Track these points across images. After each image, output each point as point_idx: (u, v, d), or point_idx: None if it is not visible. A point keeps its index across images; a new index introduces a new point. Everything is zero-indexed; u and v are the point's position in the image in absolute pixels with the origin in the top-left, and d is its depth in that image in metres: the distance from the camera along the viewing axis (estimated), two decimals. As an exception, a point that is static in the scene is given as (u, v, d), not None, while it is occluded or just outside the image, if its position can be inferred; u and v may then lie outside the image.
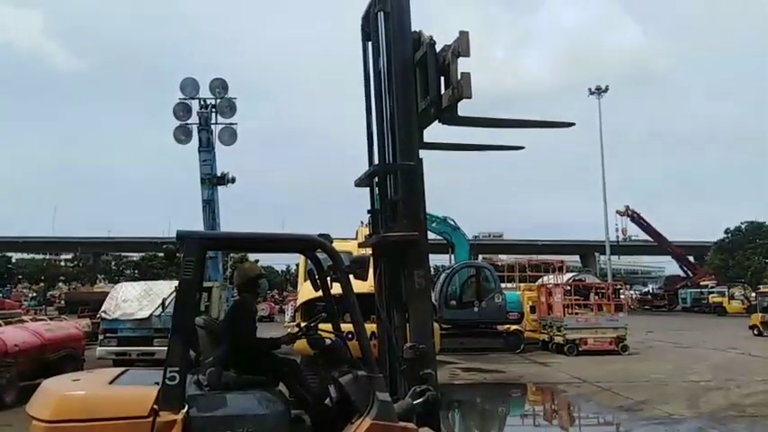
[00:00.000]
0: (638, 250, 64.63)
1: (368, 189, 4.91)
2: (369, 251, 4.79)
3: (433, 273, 15.66)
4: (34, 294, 52.77)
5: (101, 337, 12.63)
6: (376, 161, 4.79)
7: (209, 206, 17.06)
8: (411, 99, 4.53)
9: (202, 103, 17.77)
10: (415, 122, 4.55)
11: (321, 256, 4.31)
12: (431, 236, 11.92)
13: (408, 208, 4.43)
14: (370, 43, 4.89)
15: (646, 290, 65.24)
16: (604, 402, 10.03)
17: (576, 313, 17.22)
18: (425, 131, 4.70)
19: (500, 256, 55.35)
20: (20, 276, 67.20)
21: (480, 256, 43.18)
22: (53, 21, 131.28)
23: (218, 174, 17.40)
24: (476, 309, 16.73)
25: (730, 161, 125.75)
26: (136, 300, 12.66)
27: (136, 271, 61.58)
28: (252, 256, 35.36)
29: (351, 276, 3.98)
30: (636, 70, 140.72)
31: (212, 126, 17.64)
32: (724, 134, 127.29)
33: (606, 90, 45.47)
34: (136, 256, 68.31)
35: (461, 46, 4.14)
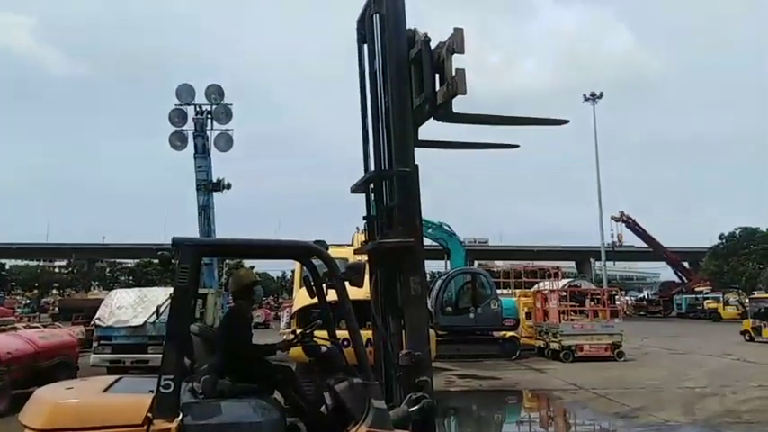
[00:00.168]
0: (634, 256, 64.79)
1: (364, 195, 4.92)
2: (364, 258, 4.79)
3: (428, 279, 15.65)
4: (28, 301, 52.39)
5: (95, 344, 12.55)
6: (372, 167, 4.80)
7: (205, 212, 17.02)
8: (406, 100, 4.54)
9: (198, 109, 17.76)
10: (410, 124, 4.56)
11: (317, 262, 4.31)
12: (426, 242, 11.93)
13: (404, 214, 4.43)
14: (365, 45, 4.91)
15: (641, 296, 65.36)
16: (600, 409, 10.02)
17: (572, 319, 17.23)
18: (421, 129, 4.71)
19: (496, 262, 55.26)
20: (13, 283, 66.82)
21: (476, 262, 43.19)
22: (48, 25, 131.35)
23: (214, 180, 17.38)
24: (471, 315, 16.71)
25: (724, 167, 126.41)
26: (130, 307, 12.61)
27: (130, 277, 61.33)
28: (247, 263, 35.33)
29: (346, 283, 3.97)
30: (630, 76, 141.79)
31: (208, 132, 17.64)
32: (718, 140, 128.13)
33: (601, 96, 45.84)
34: (130, 262, 68.04)
35: (456, 43, 4.15)
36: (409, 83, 4.55)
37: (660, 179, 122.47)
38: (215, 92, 18.05)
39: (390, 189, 4.58)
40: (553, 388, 12.02)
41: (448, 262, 21.40)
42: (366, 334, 4.26)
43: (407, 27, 4.60)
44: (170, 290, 12.55)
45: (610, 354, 16.08)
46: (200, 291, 11.76)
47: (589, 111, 45.72)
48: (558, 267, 25.39)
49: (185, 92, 17.88)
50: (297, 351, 4.76)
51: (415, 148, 4.60)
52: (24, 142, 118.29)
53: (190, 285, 3.68)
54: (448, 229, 20.97)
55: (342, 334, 4.22)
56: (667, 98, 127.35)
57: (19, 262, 71.28)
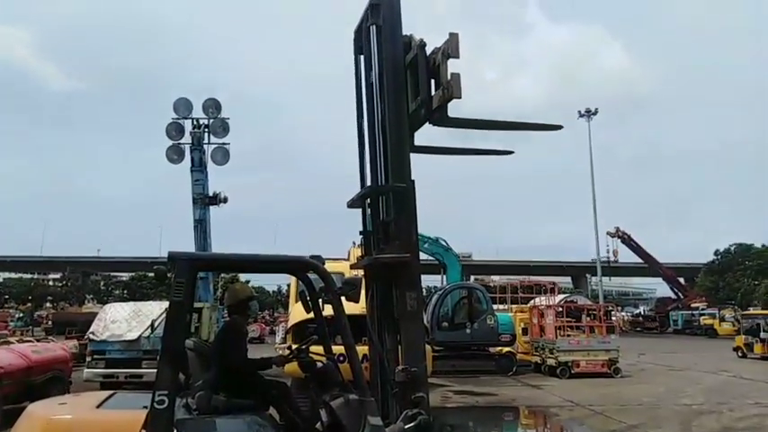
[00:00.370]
0: (629, 272, 64.83)
1: (360, 210, 4.93)
2: (361, 272, 4.79)
3: (424, 294, 15.63)
4: (21, 315, 51.94)
5: (88, 358, 12.42)
6: (368, 182, 4.82)
7: (201, 226, 17.01)
8: (402, 108, 4.58)
9: (195, 122, 17.84)
10: (406, 130, 4.59)
11: (313, 277, 4.30)
12: (422, 256, 11.92)
13: (400, 229, 4.44)
14: (362, 56, 4.96)
15: (637, 311, 65.27)
16: (597, 426, 9.95)
17: (569, 335, 17.19)
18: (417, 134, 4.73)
19: (492, 277, 55.25)
20: (6, 296, 66.26)
21: (472, 277, 43.14)
22: (45, 39, 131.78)
23: (210, 193, 17.38)
24: (468, 330, 16.66)
25: (719, 182, 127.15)
26: (125, 321, 12.51)
27: (125, 291, 60.96)
28: (243, 277, 35.15)
29: (342, 298, 3.97)
30: (624, 91, 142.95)
31: (205, 146, 17.69)
32: (713, 155, 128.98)
33: (596, 113, 45.98)
34: (125, 275, 67.68)
35: (451, 47, 4.20)
36: (405, 90, 4.60)
37: (655, 194, 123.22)
38: (212, 106, 18.14)
39: (387, 204, 4.60)
40: (550, 404, 11.95)
41: (444, 277, 21.37)
42: (362, 349, 4.25)
43: (403, 33, 4.66)
44: (165, 304, 12.50)
45: (606, 370, 16.03)
46: (196, 305, 11.69)
47: (584, 126, 45.97)
48: (554, 283, 25.38)
49: (183, 105, 17.96)
50: (292, 366, 4.74)
51: (413, 155, 4.62)
52: (20, 155, 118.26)
53: (185, 300, 3.66)
54: (444, 243, 20.98)
55: (338, 349, 4.21)
56: (661, 113, 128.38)
57: (13, 275, 70.78)
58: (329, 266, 4.14)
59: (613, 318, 22.76)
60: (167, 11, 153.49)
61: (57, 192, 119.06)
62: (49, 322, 39.16)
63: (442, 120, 4.43)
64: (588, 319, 18.99)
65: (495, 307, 18.60)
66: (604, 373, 15.89)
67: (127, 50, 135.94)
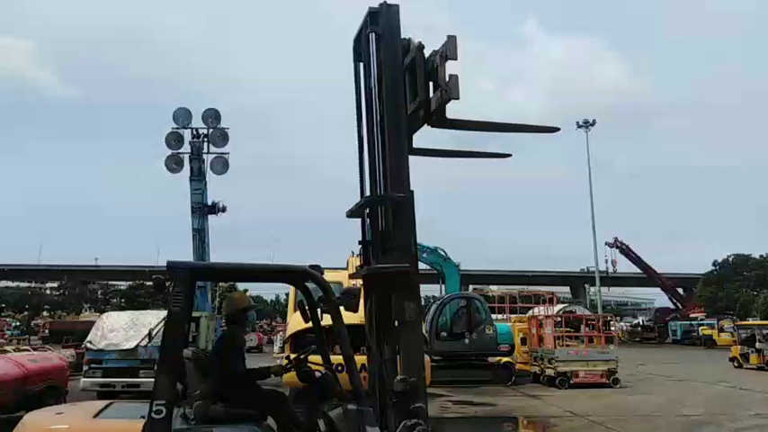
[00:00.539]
0: (628, 282, 64.78)
1: (359, 220, 4.93)
2: (359, 282, 4.79)
3: (423, 303, 15.60)
4: (18, 323, 51.70)
5: (85, 367, 12.36)
6: (367, 192, 4.83)
7: (200, 235, 17.03)
8: (401, 114, 4.60)
9: (195, 132, 17.91)
10: (405, 138, 4.61)
11: (311, 286, 4.30)
12: (421, 266, 11.90)
13: (399, 239, 4.45)
14: (361, 63, 4.99)
15: (636, 322, 65.18)
16: (596, 437, 9.91)
17: (567, 345, 17.15)
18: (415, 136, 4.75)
19: (491, 286, 55.19)
20: (3, 305, 66.00)
21: (471, 287, 43.08)
22: (43, 49, 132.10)
23: (209, 203, 17.41)
24: (466, 340, 16.62)
25: (718, 193, 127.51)
26: (122, 330, 12.46)
27: (122, 300, 60.74)
28: (241, 286, 35.07)
29: (341, 308, 3.96)
30: (621, 103, 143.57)
31: (204, 155, 17.74)
32: (711, 166, 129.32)
33: (593, 123, 46.18)
34: (123, 284, 67.49)
35: (449, 49, 4.22)
36: (404, 94, 4.63)
37: (654, 204, 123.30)
38: (212, 115, 18.23)
39: (386, 214, 4.60)
40: (549, 415, 11.89)
41: (443, 286, 21.35)
42: (360, 359, 4.24)
43: (401, 36, 4.70)
44: (162, 313, 12.47)
45: (605, 380, 15.98)
46: (194, 314, 11.66)
47: (582, 137, 46.15)
48: (552, 293, 25.38)
49: (182, 115, 18.05)
50: (291, 376, 4.72)
51: (413, 161, 4.63)
52: (18, 164, 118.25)
53: (183, 310, 3.66)
54: (443, 253, 20.99)
55: (336, 359, 4.20)
56: (659, 125, 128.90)
57: (10, 283, 70.57)
58: (328, 276, 4.14)
59: (612, 328, 22.73)
60: (167, 22, 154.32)
61: (55, 200, 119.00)
62: (46, 331, 38.98)
63: (441, 121, 4.45)
64: (587, 329, 18.96)
65: (493, 317, 18.56)
66: (603, 384, 15.83)
67: (125, 60, 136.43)
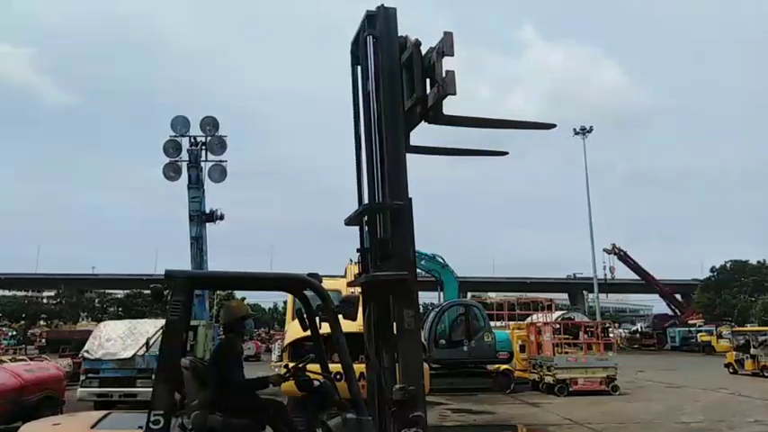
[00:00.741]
0: (626, 288, 64.85)
1: (357, 227, 4.93)
2: (358, 290, 4.78)
3: (421, 311, 15.57)
4: (14, 333, 51.46)
5: (82, 377, 12.29)
6: (366, 200, 4.83)
7: (197, 243, 17.02)
8: (399, 114, 4.61)
9: (193, 140, 17.93)
10: (402, 137, 4.62)
11: (309, 294, 4.29)
12: (419, 273, 11.90)
13: (398, 247, 4.45)
14: (359, 66, 5.01)
15: (634, 328, 65.13)
16: (596, 444, 9.87)
17: (566, 352, 17.12)
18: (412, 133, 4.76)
19: (489, 293, 55.18)
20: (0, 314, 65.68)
21: (469, 294, 43.05)
22: (42, 55, 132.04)
23: (207, 211, 17.41)
24: (465, 348, 16.58)
25: (715, 199, 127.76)
26: (119, 339, 12.40)
27: (120, 308, 60.50)
28: (239, 294, 35.01)
29: (340, 316, 3.96)
30: (618, 110, 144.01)
31: (202, 163, 17.76)
32: (707, 172, 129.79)
33: (590, 130, 46.45)
34: (120, 293, 67.23)
35: (446, 46, 4.24)
36: (401, 91, 4.65)
37: (651, 211, 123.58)
38: (210, 123, 18.27)
39: (384, 222, 4.60)
40: (548, 423, 11.85)
41: (441, 294, 21.31)
42: (359, 368, 4.23)
43: (399, 34, 4.73)
44: (160, 322, 12.43)
45: (604, 387, 15.94)
46: (191, 323, 11.61)
47: (579, 144, 46.37)
48: (551, 299, 25.34)
49: (180, 123, 18.09)
50: (289, 385, 4.70)
51: (411, 168, 4.64)
52: (15, 171, 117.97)
53: (182, 319, 3.65)
54: (441, 260, 20.96)
55: (335, 368, 4.18)
56: (657, 131, 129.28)
57: (6, 292, 70.26)
58: (326, 284, 4.13)
59: (611, 335, 22.74)
60: (165, 30, 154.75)
61: (52, 209, 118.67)
62: (43, 340, 38.86)
63: (437, 117, 4.46)
64: (586, 336, 18.95)
65: (492, 324, 18.52)
66: (602, 391, 15.79)
67: (123, 67, 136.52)
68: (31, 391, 9.71)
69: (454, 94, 4.17)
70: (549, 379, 16.33)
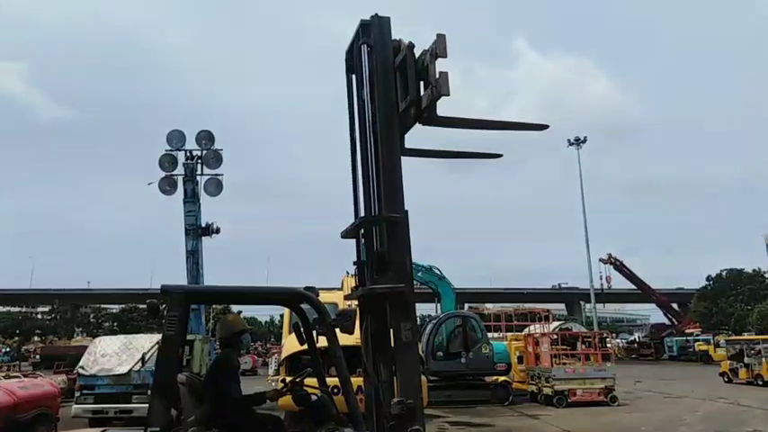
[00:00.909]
0: (623, 298, 64.86)
1: (354, 240, 4.93)
2: (355, 303, 4.77)
3: (418, 323, 15.51)
4: (8, 349, 50.98)
5: (77, 393, 12.16)
6: (362, 213, 4.84)
7: (193, 257, 16.95)
8: (393, 121, 4.63)
9: (188, 154, 17.93)
10: (397, 142, 4.64)
11: (306, 308, 4.28)
12: (416, 285, 11.87)
13: (394, 259, 4.45)
14: (353, 75, 5.04)
15: (632, 338, 65.04)
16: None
17: (564, 363, 17.08)
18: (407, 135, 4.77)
19: (486, 305, 55.09)
20: (-7, 330, 65.11)
21: (466, 305, 42.98)
22: (37, 70, 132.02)
23: (203, 224, 17.37)
24: (463, 360, 16.50)
25: (709, 208, 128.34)
26: (115, 354, 12.30)
27: (115, 324, 60.12)
28: (235, 307, 34.86)
29: (337, 329, 3.94)
30: (612, 120, 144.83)
31: (198, 177, 17.75)
32: (702, 181, 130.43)
33: (585, 141, 46.66)
34: (115, 308, 66.84)
35: (439, 48, 4.27)
36: (395, 95, 4.66)
37: (646, 220, 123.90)
38: (205, 137, 18.28)
39: (381, 234, 4.61)
40: (547, 435, 11.80)
41: (438, 305, 21.26)
42: (357, 381, 4.21)
43: (393, 37, 4.76)
44: (156, 337, 12.34)
45: (603, 398, 15.89)
46: (187, 337, 11.54)
47: (574, 154, 46.56)
48: (548, 310, 25.31)
49: (176, 137, 18.10)
50: (287, 400, 4.66)
51: (406, 180, 4.65)
52: (9, 186, 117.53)
53: (178, 334, 3.63)
54: (438, 272, 20.93)
55: (332, 381, 4.16)
56: (650, 141, 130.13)
57: (0, 308, 69.73)
58: (322, 296, 4.13)
59: (609, 345, 22.70)
60: (161, 45, 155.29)
61: (46, 223, 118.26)
62: (37, 356, 38.46)
63: (431, 118, 4.48)
64: (583, 346, 18.92)
65: (489, 335, 18.47)
66: (601, 402, 15.74)
67: (118, 81, 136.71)
68: (26, 408, 9.59)
69: (448, 94, 4.20)
70: (547, 390, 16.27)
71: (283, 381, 4.69)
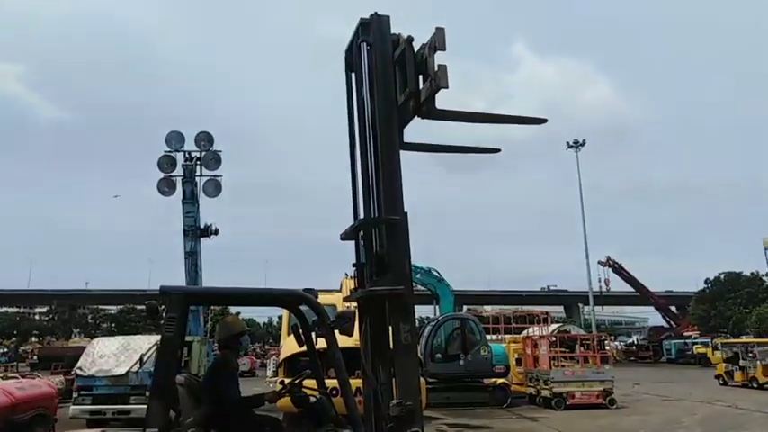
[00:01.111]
0: (621, 301, 64.89)
1: (353, 242, 4.93)
2: (354, 305, 4.77)
3: (417, 325, 15.48)
4: (5, 350, 50.90)
5: (75, 394, 12.14)
6: (361, 214, 4.84)
7: (192, 258, 16.95)
8: (392, 112, 4.63)
9: (187, 155, 17.94)
10: (396, 136, 4.65)
11: (305, 309, 4.28)
12: (415, 287, 11.86)
13: (394, 261, 4.45)
14: (353, 74, 5.04)
15: (630, 341, 65.08)
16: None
17: (563, 365, 17.08)
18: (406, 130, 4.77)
19: (485, 307, 55.07)
20: (-9, 331, 65.00)
21: (465, 308, 42.95)
22: (34, 72, 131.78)
23: (202, 226, 17.36)
24: (461, 362, 16.49)
25: (707, 211, 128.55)
26: (113, 355, 12.28)
27: (113, 324, 60.04)
28: (233, 309, 34.83)
29: (336, 331, 3.94)
30: (611, 123, 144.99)
31: (197, 178, 17.75)
32: (700, 184, 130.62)
33: (583, 144, 46.69)
34: (113, 309, 66.74)
35: (437, 41, 4.28)
36: (394, 88, 4.67)
37: (645, 223, 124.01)
38: (204, 138, 18.30)
39: (380, 236, 4.61)
40: (545, 437, 11.80)
41: (437, 307, 21.26)
42: (356, 383, 4.20)
43: (392, 32, 4.77)
44: (154, 338, 12.31)
45: (601, 401, 15.88)
46: (186, 338, 11.52)
47: (573, 158, 46.60)
48: (546, 312, 25.29)
49: (175, 138, 18.11)
50: (285, 401, 4.66)
51: (406, 184, 4.66)
52: (7, 187, 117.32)
53: (177, 336, 3.63)
54: (437, 274, 20.94)
55: (331, 383, 4.16)
56: (648, 144, 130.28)
57: (-2, 309, 69.65)
58: (321, 298, 4.12)
59: (607, 347, 22.68)
60: (158, 43, 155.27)
61: (44, 224, 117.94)
62: (35, 357, 38.41)
63: (430, 112, 4.48)
64: (582, 349, 18.90)
65: (488, 337, 18.46)
66: (600, 404, 15.74)
67: (116, 82, 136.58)
68: (23, 409, 9.58)
69: (447, 87, 4.20)
70: (545, 392, 16.27)
71: (282, 382, 4.69)
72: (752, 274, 51.71)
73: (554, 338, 18.65)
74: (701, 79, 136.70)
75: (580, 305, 61.13)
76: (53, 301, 62.33)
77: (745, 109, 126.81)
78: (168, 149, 17.94)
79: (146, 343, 12.21)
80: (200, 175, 17.83)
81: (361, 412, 4.11)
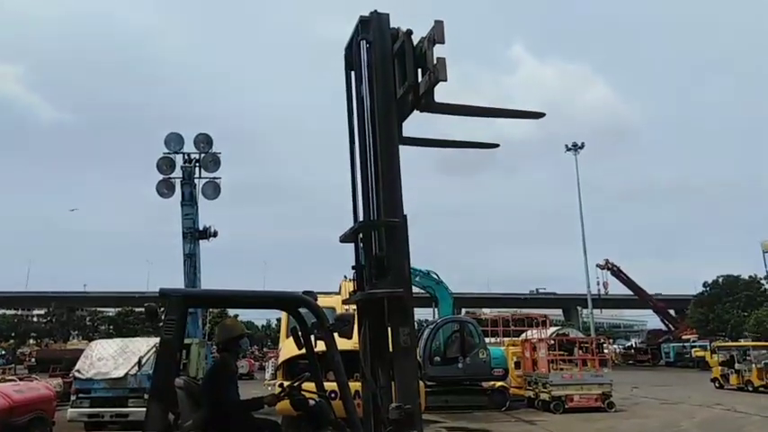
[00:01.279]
0: (620, 304, 64.90)
1: (352, 244, 4.93)
2: (353, 307, 4.76)
3: (416, 328, 15.45)
4: (3, 352, 50.77)
5: (73, 397, 12.10)
6: (361, 217, 4.84)
7: (191, 260, 16.93)
8: (391, 106, 4.63)
9: (186, 157, 17.93)
10: (395, 129, 4.64)
11: (304, 311, 4.27)
12: (414, 290, 11.85)
13: (393, 264, 4.44)
14: (353, 72, 5.05)
15: (629, 344, 65.05)
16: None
17: (561, 369, 17.07)
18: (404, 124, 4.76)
19: (483, 310, 55.04)
20: (-11, 333, 64.84)
21: (464, 310, 42.94)
22: (33, 72, 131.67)
23: (201, 228, 17.35)
24: (460, 365, 16.47)
25: (706, 213, 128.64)
26: (111, 358, 12.24)
27: (111, 327, 59.93)
28: (231, 311, 34.78)
29: (335, 334, 3.94)
30: (610, 125, 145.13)
31: (196, 180, 17.74)
32: (699, 186, 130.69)
33: (582, 146, 46.71)
34: (112, 311, 66.62)
35: (437, 34, 4.27)
36: (393, 81, 4.66)
37: (644, 226, 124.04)
38: (203, 140, 18.29)
39: (379, 239, 4.61)
40: (544, 440, 11.79)
41: (436, 310, 21.24)
42: (355, 386, 4.20)
43: (391, 26, 4.76)
44: (152, 340, 12.28)
45: (600, 404, 15.87)
46: (184, 341, 11.50)
47: (571, 160, 46.66)
48: (545, 315, 25.34)
49: (174, 140, 18.09)
50: (284, 404, 4.65)
51: (406, 187, 4.65)
52: (7, 187, 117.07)
53: (176, 338, 3.62)
54: (436, 276, 20.92)
55: (330, 386, 4.15)
56: (647, 146, 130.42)
57: (-4, 311, 69.51)
58: (320, 301, 4.12)
59: (606, 351, 22.69)
60: (158, 44, 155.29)
61: (42, 226, 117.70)
62: (33, 359, 38.35)
63: (429, 105, 4.48)
64: (581, 352, 18.90)
65: (486, 341, 18.45)
66: (598, 408, 15.72)
67: (115, 84, 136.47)
68: (21, 411, 9.56)
69: (445, 80, 4.20)
70: (544, 396, 16.26)
71: (281, 385, 4.67)
72: (750, 277, 51.73)
73: (553, 341, 18.65)
74: (701, 79, 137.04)
75: (579, 308, 61.12)
76: (51, 303, 62.22)
77: (745, 109, 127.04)
78: (167, 151, 17.93)
79: (144, 345, 12.19)
80: (200, 177, 17.82)
81: (361, 415, 4.11)
